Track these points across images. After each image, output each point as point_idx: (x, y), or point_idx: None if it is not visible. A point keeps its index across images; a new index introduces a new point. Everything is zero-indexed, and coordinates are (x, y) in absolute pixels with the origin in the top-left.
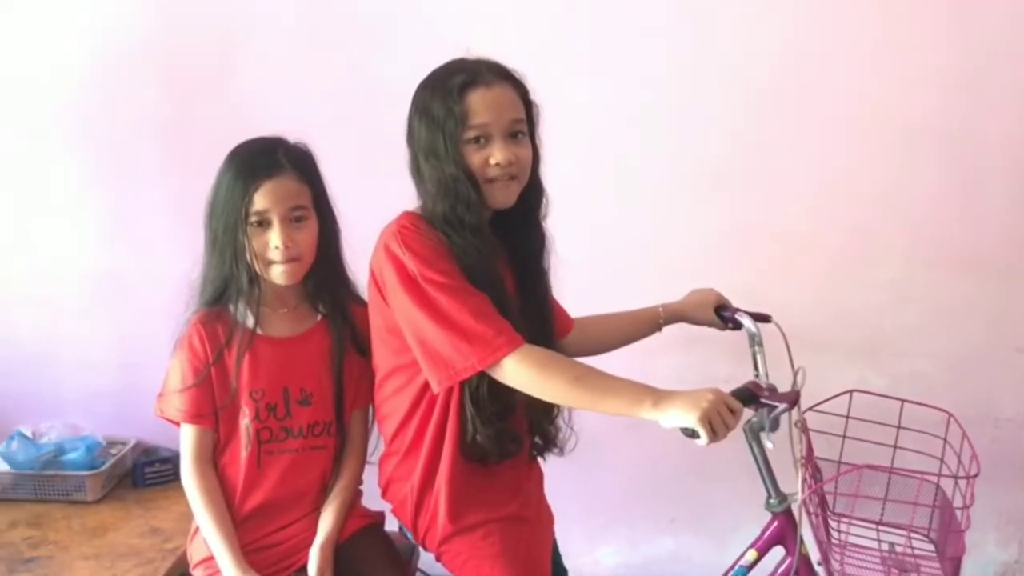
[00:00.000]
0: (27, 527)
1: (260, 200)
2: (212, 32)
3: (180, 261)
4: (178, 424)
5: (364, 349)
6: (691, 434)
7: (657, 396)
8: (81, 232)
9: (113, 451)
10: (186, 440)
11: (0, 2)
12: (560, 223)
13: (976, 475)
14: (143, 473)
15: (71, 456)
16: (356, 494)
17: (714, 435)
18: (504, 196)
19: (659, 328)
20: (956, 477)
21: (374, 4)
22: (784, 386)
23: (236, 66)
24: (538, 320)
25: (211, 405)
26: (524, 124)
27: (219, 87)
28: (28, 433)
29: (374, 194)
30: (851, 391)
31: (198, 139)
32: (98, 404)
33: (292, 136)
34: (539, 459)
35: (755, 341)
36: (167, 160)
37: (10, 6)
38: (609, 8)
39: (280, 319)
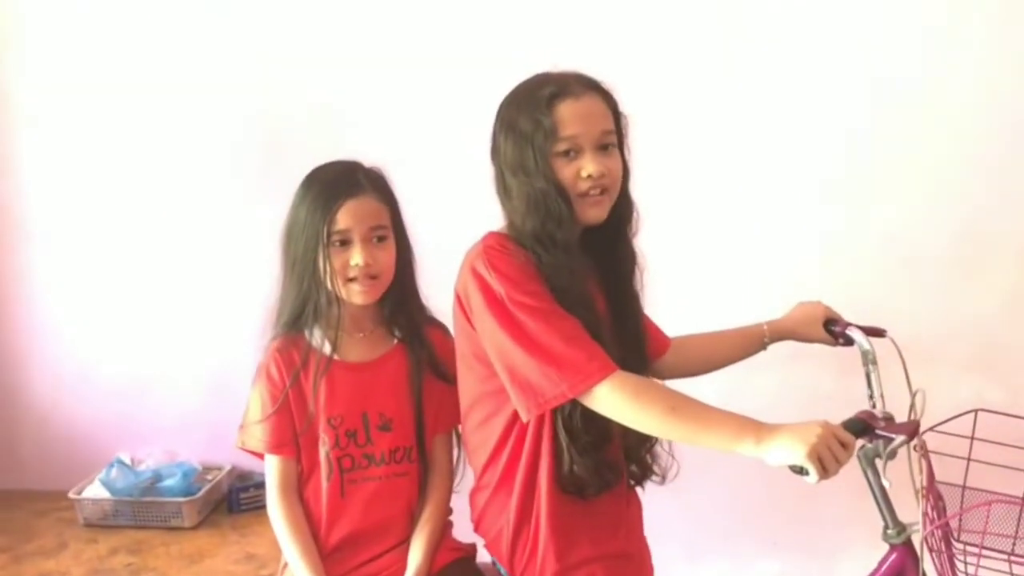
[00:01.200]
0: (127, 554)
1: (343, 219)
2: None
3: (273, 286)
4: (261, 456)
5: (443, 373)
6: (800, 471)
7: (760, 431)
8: (175, 258)
9: (209, 477)
10: (271, 471)
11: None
12: (657, 236)
13: None
14: (238, 499)
15: (168, 483)
16: (446, 524)
17: (824, 472)
18: (596, 212)
19: (764, 347)
20: None
21: (460, 36)
22: (899, 405)
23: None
24: (631, 344)
25: (292, 433)
26: (614, 136)
27: (312, 123)
28: (127, 460)
29: (452, 219)
30: (976, 410)
31: (288, 175)
32: (194, 430)
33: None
34: (637, 489)
35: (868, 359)
36: (259, 189)
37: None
38: (713, 12)
39: (356, 343)
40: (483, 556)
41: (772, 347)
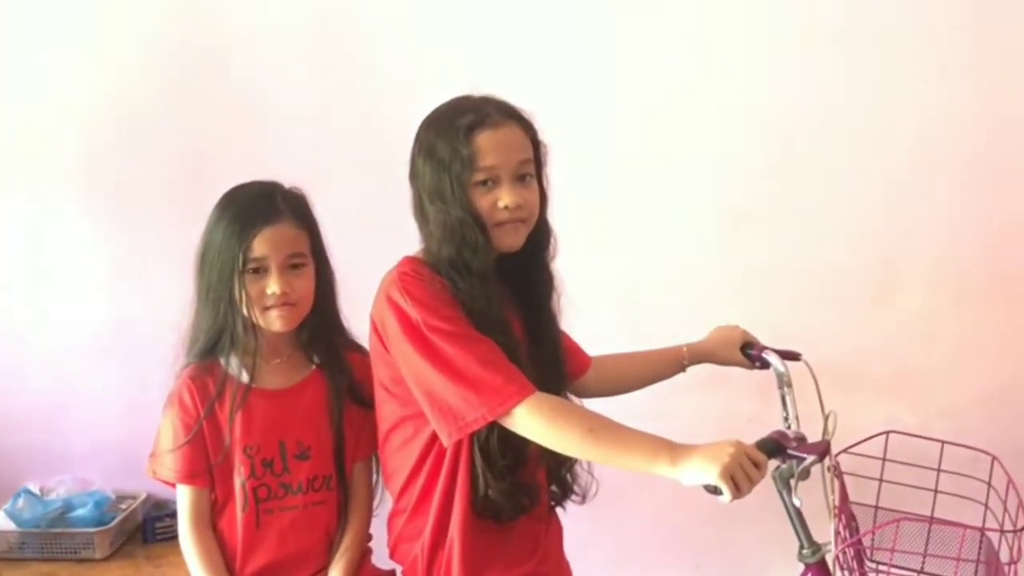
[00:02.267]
0: None
1: (259, 247)
2: (226, 82)
3: (190, 312)
4: (173, 484)
5: (363, 399)
6: (714, 490)
7: (675, 452)
8: (88, 282)
9: (123, 506)
10: (182, 501)
11: (11, 54)
12: (577, 264)
13: (1022, 529)
14: (153, 528)
15: (79, 513)
16: (365, 552)
17: (737, 491)
18: (512, 240)
19: (683, 369)
20: (1002, 532)
21: (387, 49)
22: (815, 426)
23: (250, 111)
24: (550, 365)
25: (205, 463)
26: (532, 165)
27: (230, 135)
28: (35, 490)
29: (380, 241)
30: (887, 432)
31: (207, 187)
32: (107, 457)
33: (299, 182)
34: (557, 510)
35: (784, 381)
36: (174, 210)
37: (20, 55)
38: (627, 47)
39: (273, 370)
40: None
41: (694, 370)
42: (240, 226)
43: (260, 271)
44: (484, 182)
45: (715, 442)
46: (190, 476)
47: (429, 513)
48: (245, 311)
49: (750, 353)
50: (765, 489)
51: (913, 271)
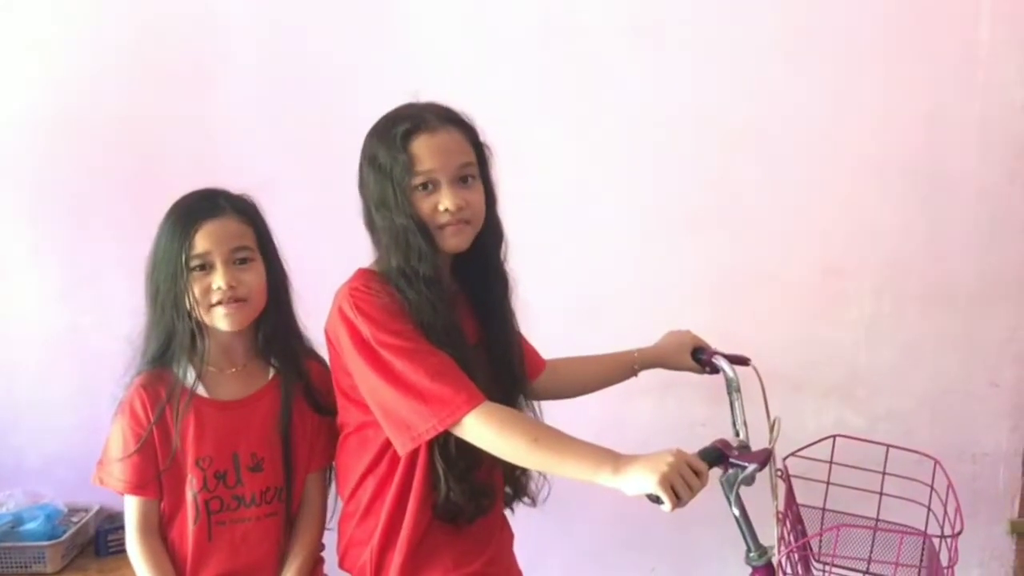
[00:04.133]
0: None
1: (201, 242)
2: (174, 87)
3: (142, 321)
4: (122, 494)
5: (321, 406)
6: (655, 499)
7: (618, 462)
8: (38, 293)
9: (75, 519)
10: (130, 512)
11: None
12: (530, 269)
13: (960, 532)
14: (106, 541)
15: (30, 526)
16: (316, 561)
17: (677, 499)
18: (456, 241)
19: (634, 373)
20: (942, 536)
21: (338, 57)
22: (764, 431)
23: (200, 120)
24: (505, 366)
25: (154, 472)
26: (474, 167)
27: (181, 142)
28: None
29: (339, 250)
30: (834, 436)
31: (158, 195)
32: (60, 470)
33: (252, 191)
34: (508, 512)
35: (732, 387)
36: (125, 217)
37: None
38: (579, 52)
39: (228, 380)
40: None
41: (648, 376)
42: (183, 225)
43: (205, 267)
44: (424, 185)
45: (655, 452)
46: (138, 486)
47: (380, 514)
48: (194, 313)
49: (700, 358)
50: (720, 493)
51: (858, 277)
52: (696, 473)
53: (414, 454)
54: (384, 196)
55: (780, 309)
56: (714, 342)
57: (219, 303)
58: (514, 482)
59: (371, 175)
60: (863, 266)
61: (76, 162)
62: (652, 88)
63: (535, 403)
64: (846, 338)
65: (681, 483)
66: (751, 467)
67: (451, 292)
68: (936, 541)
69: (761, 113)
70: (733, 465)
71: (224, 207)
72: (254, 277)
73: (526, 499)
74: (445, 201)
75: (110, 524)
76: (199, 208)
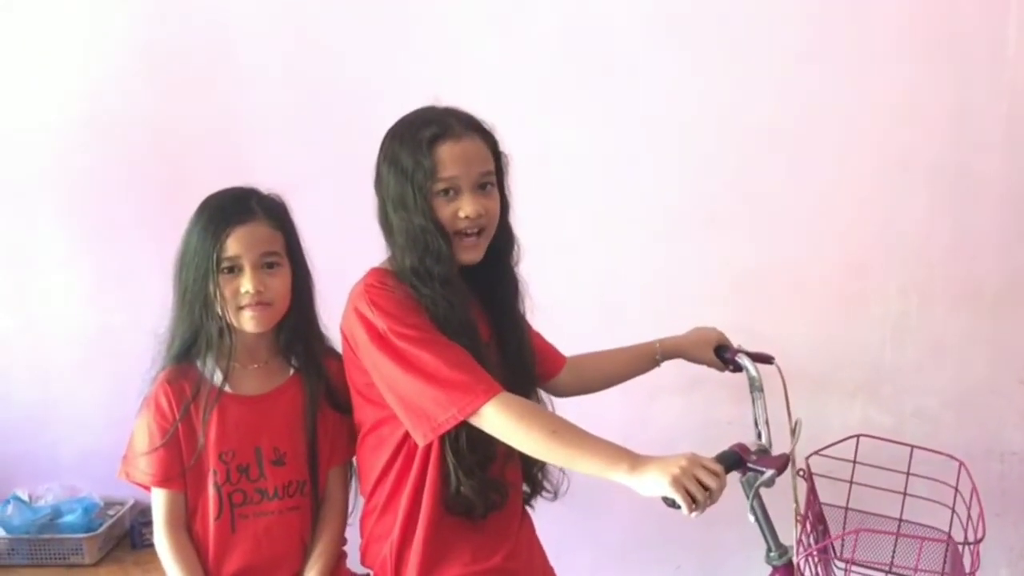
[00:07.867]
0: None
1: (232, 246)
2: (203, 93)
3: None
4: (148, 488)
5: (340, 404)
6: (671, 503)
7: (635, 462)
8: (72, 293)
9: (111, 512)
10: (157, 505)
11: None
12: (555, 269)
13: (980, 540)
14: (141, 534)
15: (68, 519)
16: (339, 556)
17: (693, 502)
18: (471, 255)
19: (656, 363)
20: (965, 543)
21: (362, 61)
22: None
23: (228, 124)
24: (517, 366)
25: (180, 467)
26: (493, 175)
27: (210, 145)
28: (24, 496)
29: (359, 253)
30: (857, 435)
31: (189, 197)
32: (95, 464)
33: (278, 190)
34: (530, 509)
35: (755, 386)
36: (158, 218)
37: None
38: (599, 52)
39: (250, 376)
40: None
41: (675, 375)
42: (214, 226)
43: (234, 270)
44: (445, 191)
45: (671, 454)
46: (165, 479)
47: (398, 510)
48: (220, 312)
49: (724, 355)
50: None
51: (884, 276)
52: (714, 475)
53: (428, 450)
54: (403, 197)
55: (805, 307)
56: (738, 340)
57: (246, 306)
58: (531, 479)
59: (391, 175)
60: (888, 264)
61: (109, 165)
62: (676, 87)
63: (548, 400)
64: (871, 336)
65: (695, 486)
66: (769, 472)
67: (462, 294)
68: (960, 537)
69: (785, 112)
70: (750, 470)
71: (256, 211)
72: (280, 282)
73: (547, 493)
74: (466, 208)
75: (143, 518)
76: (232, 211)
